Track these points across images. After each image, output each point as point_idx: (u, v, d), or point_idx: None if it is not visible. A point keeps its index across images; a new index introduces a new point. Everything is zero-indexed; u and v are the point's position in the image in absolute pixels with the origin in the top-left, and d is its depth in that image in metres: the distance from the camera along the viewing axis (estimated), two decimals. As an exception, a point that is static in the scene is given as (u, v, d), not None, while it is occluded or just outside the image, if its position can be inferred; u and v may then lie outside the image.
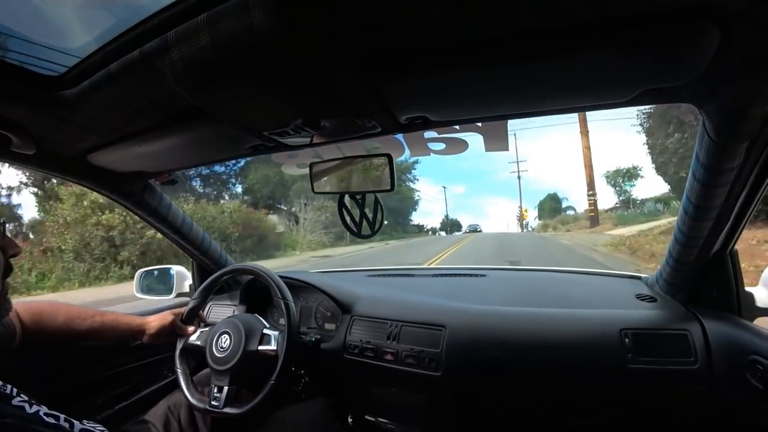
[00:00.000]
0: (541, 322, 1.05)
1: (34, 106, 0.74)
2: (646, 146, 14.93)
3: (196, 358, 1.12)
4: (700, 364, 0.88)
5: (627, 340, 0.94)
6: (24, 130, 0.81)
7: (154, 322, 1.07)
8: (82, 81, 0.69)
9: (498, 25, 0.50)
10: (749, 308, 0.94)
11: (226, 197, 20.63)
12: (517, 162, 38.89)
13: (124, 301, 5.22)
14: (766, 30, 0.48)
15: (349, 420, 1.27)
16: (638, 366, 0.91)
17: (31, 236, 11.70)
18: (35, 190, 12.95)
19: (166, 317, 1.09)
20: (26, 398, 0.62)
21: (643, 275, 1.31)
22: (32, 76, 0.69)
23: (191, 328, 1.12)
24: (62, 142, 0.89)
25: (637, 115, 15.61)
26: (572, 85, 0.63)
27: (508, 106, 0.74)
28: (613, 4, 0.46)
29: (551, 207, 46.69)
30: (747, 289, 0.95)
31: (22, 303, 0.91)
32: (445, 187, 55.96)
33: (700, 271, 0.97)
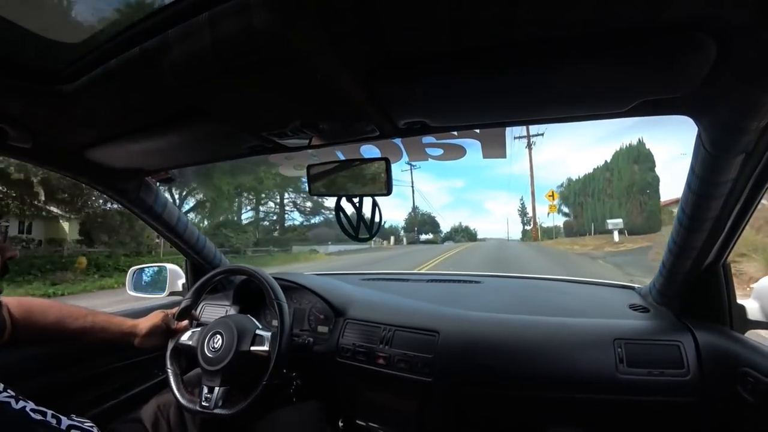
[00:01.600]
0: (534, 329, 1.05)
1: (32, 99, 0.74)
2: None
3: (187, 358, 1.11)
4: (692, 376, 0.89)
5: (620, 349, 0.95)
6: (21, 123, 0.80)
7: (145, 323, 1.05)
8: (81, 76, 0.69)
9: (497, 34, 0.51)
10: (741, 320, 0.94)
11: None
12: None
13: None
14: (762, 45, 0.49)
15: (340, 424, 1.26)
16: (630, 376, 0.92)
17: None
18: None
19: (158, 316, 1.08)
20: (12, 393, 0.61)
21: (636, 285, 1.32)
22: (31, 70, 0.69)
23: (185, 323, 1.11)
24: (59, 136, 0.89)
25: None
26: (570, 94, 0.63)
27: (506, 114, 0.75)
28: (612, 16, 0.47)
29: (635, 182, 19.84)
30: (739, 301, 0.95)
31: (13, 298, 0.90)
32: (411, 165, 35.75)
33: (693, 283, 0.98)
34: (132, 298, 1.57)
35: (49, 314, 0.92)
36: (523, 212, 61.97)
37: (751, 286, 0.97)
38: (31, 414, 0.60)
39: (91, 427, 0.70)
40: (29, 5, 0.62)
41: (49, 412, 0.63)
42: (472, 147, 0.97)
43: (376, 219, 0.95)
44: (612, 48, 0.51)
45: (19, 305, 0.88)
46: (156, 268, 1.61)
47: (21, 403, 0.61)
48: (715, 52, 0.50)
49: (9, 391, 0.61)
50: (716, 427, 0.89)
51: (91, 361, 1.12)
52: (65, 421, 0.65)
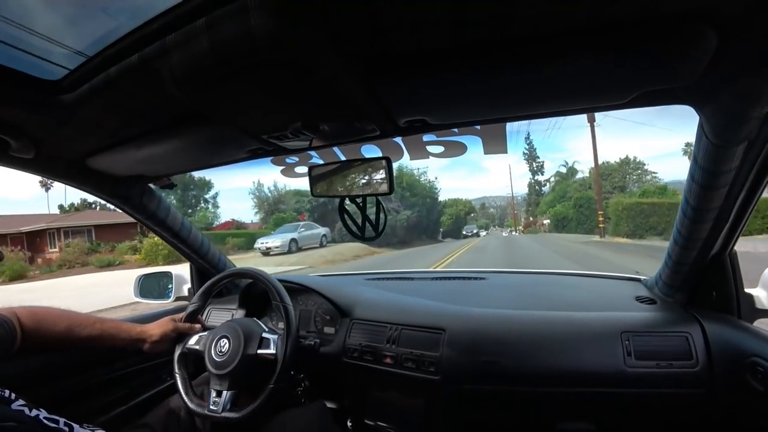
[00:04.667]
0: (541, 325, 1.05)
1: (34, 110, 0.74)
2: None
3: (195, 362, 1.11)
4: (701, 367, 0.88)
5: (627, 342, 0.94)
6: (23, 134, 0.81)
7: (155, 330, 1.05)
8: (81, 85, 0.69)
9: (496, 29, 0.50)
10: (749, 310, 0.94)
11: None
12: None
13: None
14: (762, 33, 0.48)
15: (349, 424, 1.26)
16: (638, 369, 0.91)
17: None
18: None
19: (167, 324, 1.08)
20: (25, 402, 0.62)
21: (642, 277, 1.31)
22: (31, 80, 0.69)
23: (198, 325, 1.12)
24: (61, 146, 0.89)
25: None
26: (570, 87, 0.63)
27: (507, 109, 0.75)
28: (611, 8, 0.46)
29: None
30: (747, 290, 0.95)
31: (23, 308, 0.90)
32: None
33: (700, 273, 0.98)
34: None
35: (59, 323, 0.93)
36: (531, 156, 41.33)
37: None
38: (45, 422, 0.61)
39: None
40: (28, 16, 0.62)
41: (62, 420, 0.64)
42: (473, 143, 0.97)
43: (381, 218, 0.95)
44: (612, 40, 0.51)
45: (29, 315, 0.89)
46: (161, 274, 1.62)
47: (35, 412, 0.61)
48: (716, 41, 0.49)
49: (21, 400, 0.62)
50: (726, 417, 0.89)
51: (100, 369, 1.12)
52: (77, 429, 0.65)
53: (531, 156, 42.11)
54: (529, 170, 42.59)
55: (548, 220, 31.57)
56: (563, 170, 37.67)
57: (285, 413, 1.02)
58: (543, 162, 42.49)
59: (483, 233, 39.54)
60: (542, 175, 41.95)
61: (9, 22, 0.59)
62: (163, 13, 0.56)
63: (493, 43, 0.53)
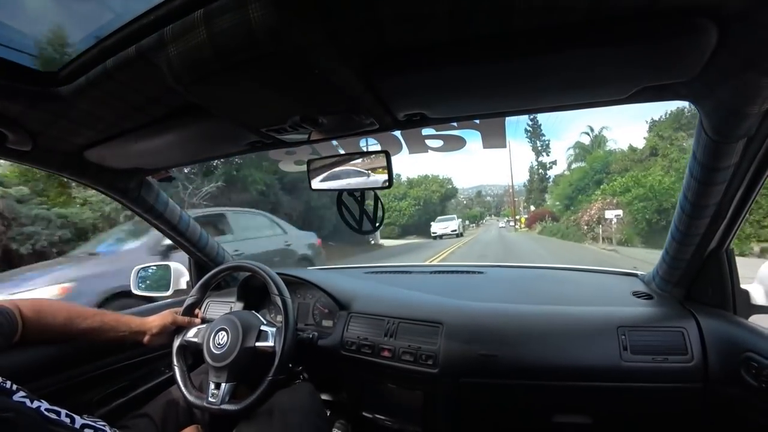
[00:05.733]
0: (538, 319, 1.05)
1: (31, 102, 0.74)
2: None
3: (194, 354, 1.11)
4: (696, 361, 0.89)
5: (623, 337, 0.95)
6: (20, 126, 0.80)
7: (155, 323, 1.06)
8: (78, 77, 0.69)
9: (496, 22, 0.50)
10: (744, 305, 0.94)
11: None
12: None
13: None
14: (763, 29, 0.48)
15: (347, 416, 1.27)
16: (634, 363, 0.92)
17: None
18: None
19: (166, 317, 1.08)
20: (26, 393, 0.62)
21: (639, 272, 1.32)
22: (28, 72, 0.69)
23: (198, 320, 1.12)
24: (58, 138, 0.89)
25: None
26: (570, 82, 0.63)
27: (506, 103, 0.74)
28: (611, 2, 0.46)
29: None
30: (742, 286, 0.95)
31: (24, 299, 0.90)
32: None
33: (697, 269, 0.98)
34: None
35: (59, 315, 0.93)
36: (535, 133, 33.37)
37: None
38: (46, 413, 0.61)
39: (104, 426, 0.71)
40: (25, 8, 0.62)
41: (63, 412, 0.64)
42: (472, 137, 0.97)
43: (379, 212, 0.95)
44: (612, 35, 0.51)
45: (31, 306, 0.89)
46: (160, 267, 1.62)
47: (36, 403, 0.62)
48: (716, 36, 0.49)
49: (23, 391, 0.62)
50: (720, 411, 0.90)
51: (100, 361, 1.13)
52: (78, 420, 0.66)
53: (535, 133, 34.33)
54: (532, 150, 35.09)
55: (619, 212, 15.22)
56: (585, 141, 28.42)
57: (274, 396, 1.01)
58: (549, 141, 35.22)
59: (450, 228, 23.49)
60: (548, 155, 35.08)
61: (6, 14, 0.59)
62: (160, 4, 0.55)
63: (492, 37, 0.53)
